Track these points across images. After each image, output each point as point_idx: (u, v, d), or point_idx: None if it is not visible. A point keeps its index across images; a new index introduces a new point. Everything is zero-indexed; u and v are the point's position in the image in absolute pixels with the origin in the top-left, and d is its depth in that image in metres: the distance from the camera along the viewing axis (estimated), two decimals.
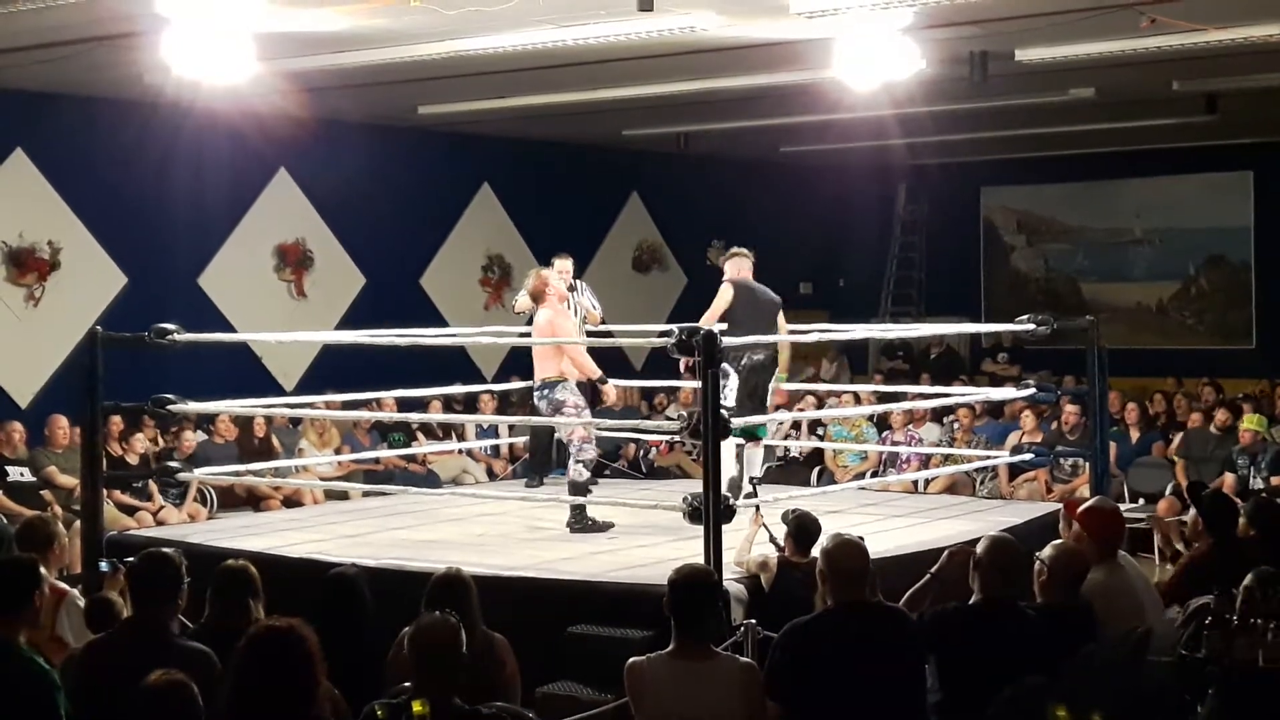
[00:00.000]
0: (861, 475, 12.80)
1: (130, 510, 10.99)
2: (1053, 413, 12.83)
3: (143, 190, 13.34)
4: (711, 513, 7.13)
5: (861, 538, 5.47)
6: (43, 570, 5.49)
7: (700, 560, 6.89)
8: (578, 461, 9.18)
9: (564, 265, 10.62)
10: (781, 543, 7.51)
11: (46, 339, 12.67)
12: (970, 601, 5.55)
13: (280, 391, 13.60)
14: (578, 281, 11.01)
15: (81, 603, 6.31)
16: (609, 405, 9.86)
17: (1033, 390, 10.36)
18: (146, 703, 4.23)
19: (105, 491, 9.37)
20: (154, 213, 13.45)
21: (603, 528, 9.02)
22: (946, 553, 6.07)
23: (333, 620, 5.65)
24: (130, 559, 5.96)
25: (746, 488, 9.60)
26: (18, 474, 10.95)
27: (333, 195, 14.89)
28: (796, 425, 13.52)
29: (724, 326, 8.74)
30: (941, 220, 20.11)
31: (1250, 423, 12.23)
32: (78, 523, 9.41)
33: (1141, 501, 12.37)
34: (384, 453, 12.82)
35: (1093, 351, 9.64)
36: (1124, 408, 13.43)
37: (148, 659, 4.57)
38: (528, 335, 10.41)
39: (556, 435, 9.79)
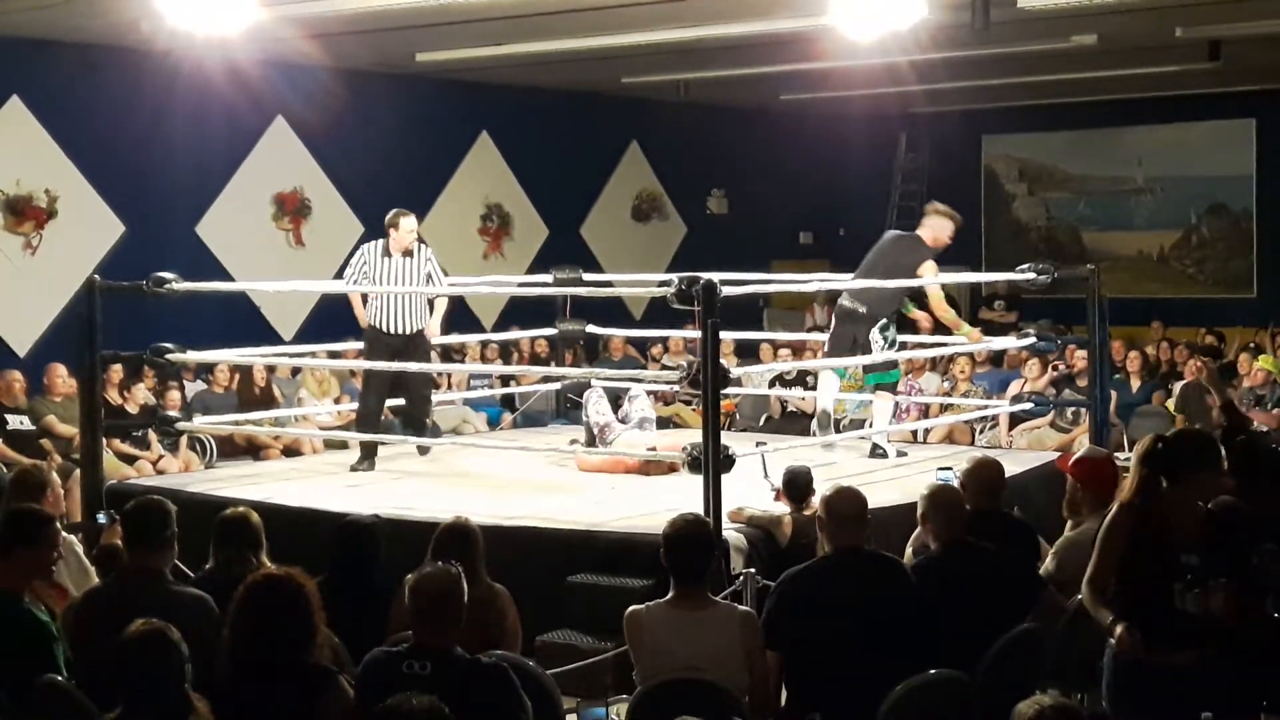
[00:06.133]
0: (861, 424, 12.74)
1: (130, 459, 11.01)
2: (1058, 362, 12.82)
3: (140, 138, 13.28)
4: (711, 463, 7.14)
5: None
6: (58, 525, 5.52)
7: (699, 510, 6.91)
8: None
9: (409, 224, 9.78)
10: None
11: (44, 288, 12.65)
12: (930, 551, 5.65)
13: (279, 340, 13.59)
14: (421, 245, 9.99)
15: (77, 548, 6.33)
16: None
17: (1033, 339, 10.35)
18: (127, 653, 4.14)
19: (105, 440, 9.38)
20: (152, 161, 13.40)
21: None
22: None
23: (346, 568, 5.70)
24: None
25: (889, 450, 9.86)
26: (17, 423, 10.94)
27: (330, 143, 14.81)
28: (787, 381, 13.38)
29: None
30: (942, 169, 20.00)
31: (1264, 363, 12.28)
32: (77, 472, 9.44)
33: None
34: None
35: (1093, 300, 9.62)
36: (1126, 356, 13.41)
37: (145, 605, 4.58)
38: (525, 285, 10.38)
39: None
